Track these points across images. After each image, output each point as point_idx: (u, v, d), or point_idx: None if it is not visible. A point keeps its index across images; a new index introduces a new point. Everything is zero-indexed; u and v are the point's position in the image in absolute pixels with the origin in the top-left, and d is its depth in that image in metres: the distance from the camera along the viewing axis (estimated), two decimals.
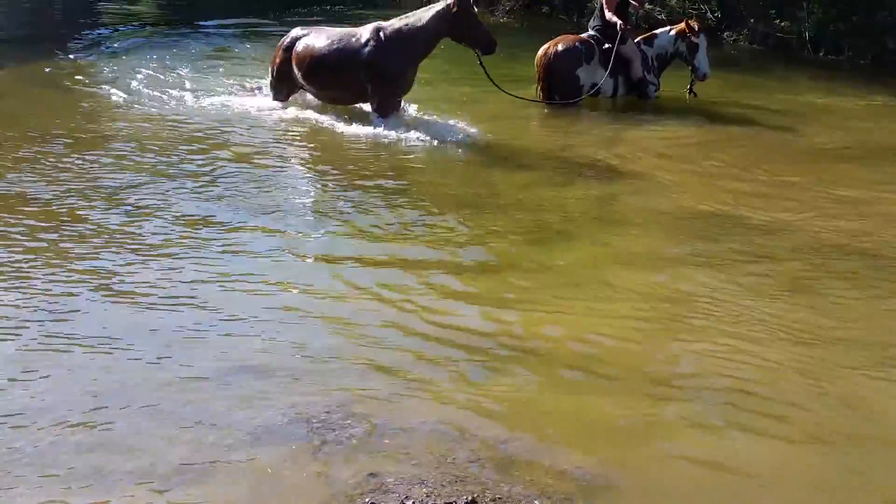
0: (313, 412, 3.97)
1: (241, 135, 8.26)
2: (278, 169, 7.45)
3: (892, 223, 6.70)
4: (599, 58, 10.01)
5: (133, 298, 4.98)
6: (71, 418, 3.86)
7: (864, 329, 5.00)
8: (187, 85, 10.01)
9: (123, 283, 5.18)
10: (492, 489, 3.53)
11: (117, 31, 13.82)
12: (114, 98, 9.42)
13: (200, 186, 6.84)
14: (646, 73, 10.23)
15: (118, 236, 5.82)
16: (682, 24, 10.32)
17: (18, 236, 5.77)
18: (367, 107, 8.91)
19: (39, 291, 5.01)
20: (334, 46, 8.71)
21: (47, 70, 10.54)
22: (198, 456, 3.65)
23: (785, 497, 3.62)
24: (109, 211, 6.24)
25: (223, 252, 5.66)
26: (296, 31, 9.10)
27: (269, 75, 9.32)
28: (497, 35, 9.04)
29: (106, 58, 11.52)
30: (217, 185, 6.86)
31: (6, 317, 4.69)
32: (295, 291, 5.18)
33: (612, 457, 3.78)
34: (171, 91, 9.64)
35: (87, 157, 7.37)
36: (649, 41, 10.34)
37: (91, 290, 5.07)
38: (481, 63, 8.95)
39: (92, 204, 6.34)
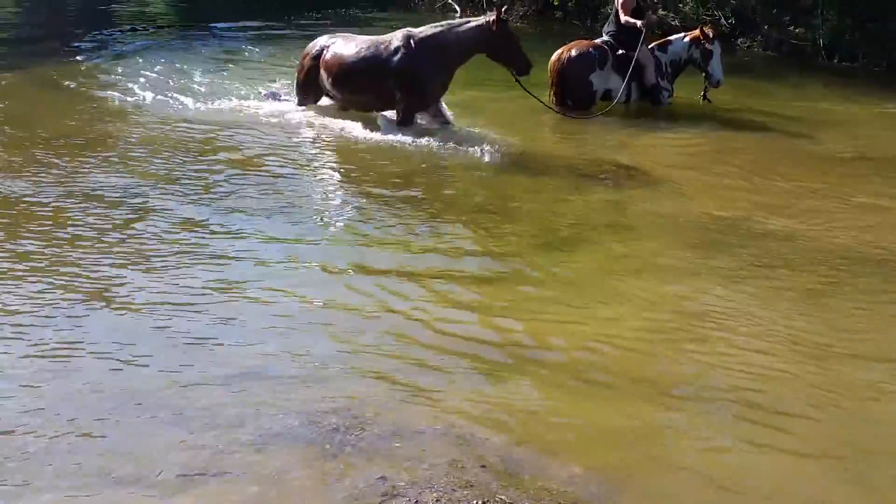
0: (323, 417, 3.97)
1: (250, 140, 8.26)
2: (285, 175, 7.42)
3: None
4: (613, 63, 9.99)
5: (140, 304, 4.99)
6: (79, 423, 3.87)
7: (877, 342, 4.96)
8: (199, 89, 10.05)
9: (129, 288, 5.19)
10: (501, 495, 3.52)
11: (130, 31, 13.91)
12: (125, 101, 9.47)
13: (210, 192, 6.85)
14: (659, 79, 10.20)
15: (124, 240, 5.84)
16: (697, 31, 10.30)
17: (24, 237, 5.80)
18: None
19: (42, 292, 5.04)
20: (364, 54, 8.68)
21: (56, 73, 10.58)
22: (206, 460, 3.65)
23: None
24: (115, 215, 6.28)
25: (230, 258, 5.67)
26: (323, 40, 9.10)
27: (296, 82, 9.30)
28: None
29: (118, 60, 11.58)
30: (226, 192, 6.86)
31: (7, 319, 4.71)
32: (303, 298, 5.17)
33: (619, 465, 3.77)
34: (181, 95, 9.66)
35: (93, 160, 7.44)
36: (663, 47, 10.32)
37: (97, 294, 5.08)
38: (518, 80, 8.92)
39: (98, 207, 6.38)
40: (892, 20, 13.05)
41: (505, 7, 9.99)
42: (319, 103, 9.23)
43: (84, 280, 5.25)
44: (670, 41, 10.41)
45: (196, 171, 7.37)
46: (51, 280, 5.22)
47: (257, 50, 12.65)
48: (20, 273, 5.30)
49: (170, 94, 9.70)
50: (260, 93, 9.84)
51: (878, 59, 13.12)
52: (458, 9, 16.93)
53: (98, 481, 3.51)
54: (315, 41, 9.19)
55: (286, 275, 5.48)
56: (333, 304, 5.10)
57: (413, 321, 4.94)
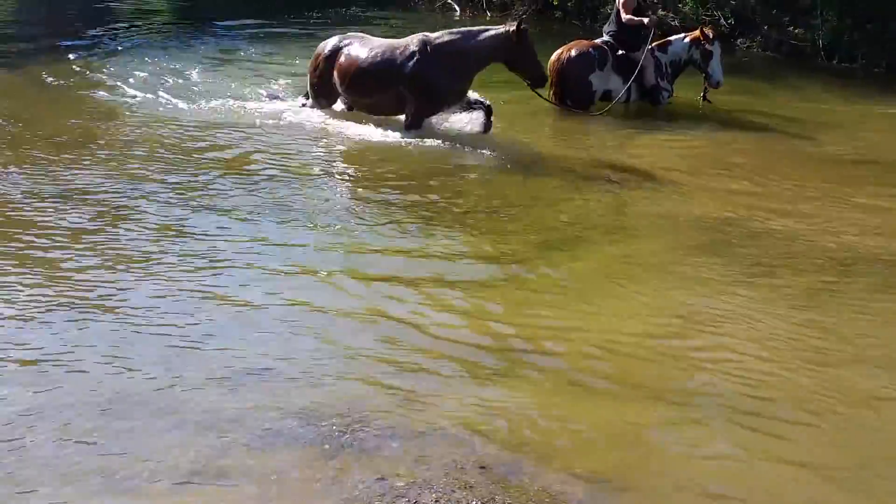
0: (324, 418, 3.96)
1: (246, 141, 8.23)
2: (284, 178, 7.34)
3: None
4: (613, 64, 9.98)
5: (138, 306, 4.97)
6: (82, 422, 3.87)
7: (878, 346, 4.94)
8: (197, 89, 10.01)
9: (126, 290, 5.17)
10: (500, 496, 3.51)
11: (127, 29, 13.86)
12: (117, 101, 9.44)
13: (208, 194, 6.82)
14: (659, 79, 10.20)
15: (123, 241, 5.84)
16: (697, 32, 10.29)
17: (26, 238, 5.79)
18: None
19: (37, 295, 5.02)
20: (378, 58, 8.61)
21: (49, 72, 10.50)
22: (207, 460, 3.65)
23: None
24: (115, 214, 6.29)
25: (226, 261, 5.65)
26: (335, 41, 8.99)
27: (309, 84, 9.15)
28: None
29: (117, 58, 11.56)
30: (223, 194, 6.83)
31: (3, 322, 4.71)
32: (301, 301, 5.15)
33: (617, 469, 3.77)
34: (180, 96, 9.63)
35: (88, 161, 7.42)
36: (663, 48, 10.31)
37: (93, 297, 5.06)
38: (533, 89, 9.05)
39: (95, 208, 6.38)
40: (891, 21, 13.04)
41: (524, 15, 9.98)
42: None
43: (80, 282, 5.23)
44: (670, 42, 10.40)
45: (191, 172, 7.34)
46: (45, 282, 5.20)
47: (254, 50, 12.60)
48: (20, 271, 5.30)
49: (163, 94, 9.67)
50: (261, 94, 9.80)
51: (878, 60, 13.10)
52: (457, 8, 16.91)
53: (97, 483, 3.50)
54: (326, 42, 9.07)
55: (283, 278, 5.46)
56: (332, 307, 5.08)
57: (412, 324, 4.92)
